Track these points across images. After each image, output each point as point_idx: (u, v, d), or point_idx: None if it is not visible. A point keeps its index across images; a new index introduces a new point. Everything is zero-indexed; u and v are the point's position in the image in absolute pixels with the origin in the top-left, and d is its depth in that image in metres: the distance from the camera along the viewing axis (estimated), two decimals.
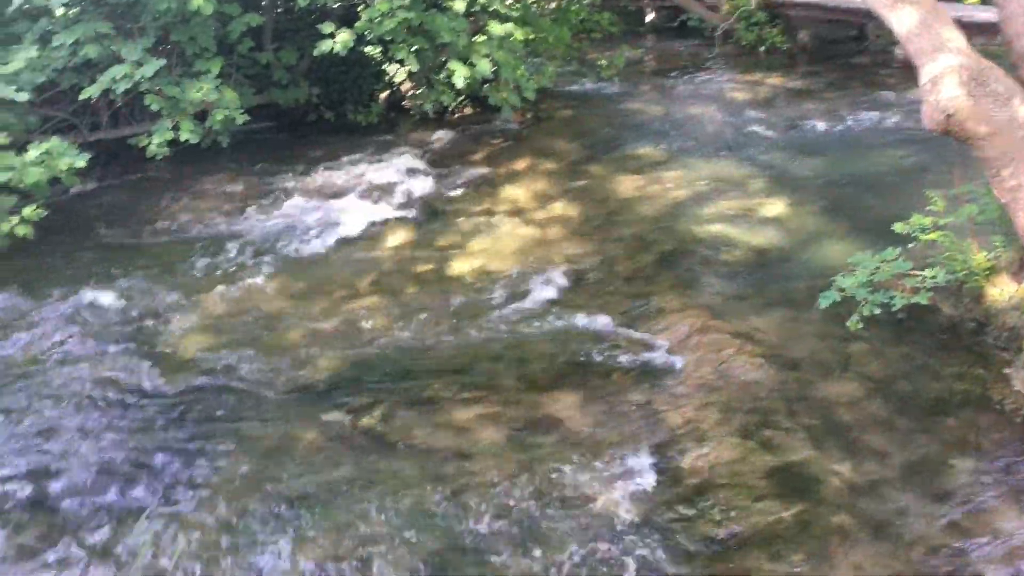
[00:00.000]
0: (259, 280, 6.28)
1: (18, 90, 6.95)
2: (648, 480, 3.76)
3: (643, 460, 3.89)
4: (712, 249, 6.24)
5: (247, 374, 4.95)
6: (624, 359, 4.82)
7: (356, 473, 3.94)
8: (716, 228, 6.58)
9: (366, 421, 4.42)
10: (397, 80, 9.99)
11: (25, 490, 3.89)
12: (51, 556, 3.48)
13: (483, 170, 8.52)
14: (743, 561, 3.30)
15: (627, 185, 7.77)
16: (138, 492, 3.88)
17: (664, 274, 5.95)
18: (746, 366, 4.58)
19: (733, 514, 3.52)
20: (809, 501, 3.57)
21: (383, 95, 10.31)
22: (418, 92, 9.89)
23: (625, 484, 3.72)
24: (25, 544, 3.55)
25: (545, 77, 10.14)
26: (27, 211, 6.51)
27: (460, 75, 8.80)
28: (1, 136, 6.68)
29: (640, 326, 5.21)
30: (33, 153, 6.71)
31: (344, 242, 7.02)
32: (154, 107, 7.63)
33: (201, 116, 7.98)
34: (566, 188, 7.89)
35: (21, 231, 6.43)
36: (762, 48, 12.73)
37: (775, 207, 6.90)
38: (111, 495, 3.85)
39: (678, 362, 4.74)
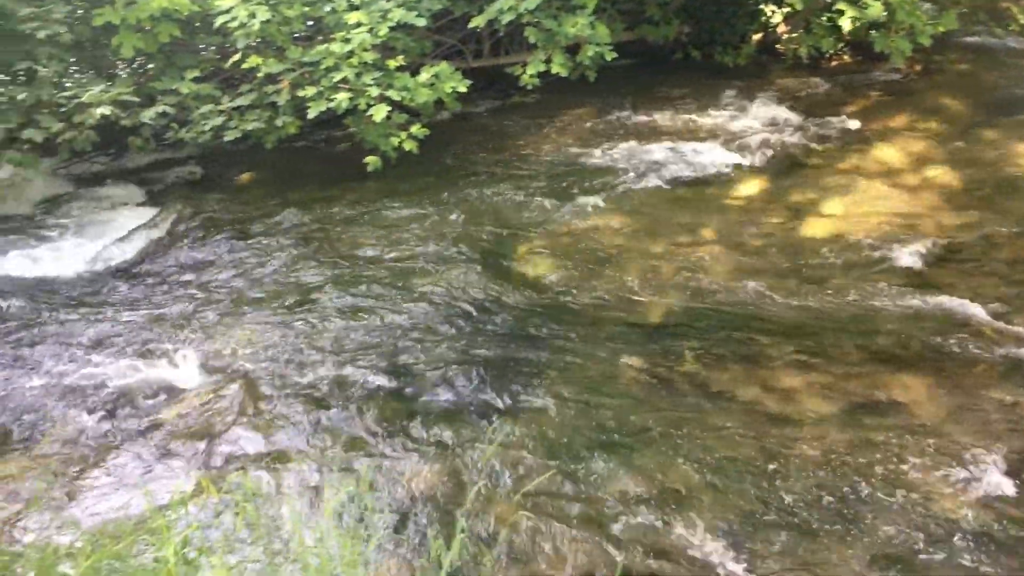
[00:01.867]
0: (604, 213, 6.42)
1: (418, 16, 7.63)
2: (1003, 490, 3.30)
3: (1000, 466, 3.42)
4: None
5: (582, 302, 5.12)
6: (992, 352, 4.24)
7: (673, 416, 3.92)
8: None
9: (690, 367, 4.36)
10: (773, 21, 9.49)
11: (383, 380, 4.40)
12: (401, 440, 3.92)
13: (854, 124, 7.86)
14: None
15: None
16: (475, 394, 4.20)
17: None
18: None
19: None
20: None
21: (756, 37, 9.87)
22: (794, 35, 9.33)
23: (973, 489, 3.31)
24: (384, 426, 4.03)
25: (946, 21, 8.99)
26: (414, 128, 7.21)
27: (848, 16, 8.14)
28: (400, 58, 7.40)
29: (1018, 318, 4.54)
30: (424, 75, 7.38)
31: (693, 185, 6.91)
32: (531, 39, 7.99)
33: (572, 50, 8.22)
34: (949, 151, 7.03)
35: (408, 146, 7.15)
36: None
37: None
38: (450, 393, 4.22)
39: None
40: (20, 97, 7.26)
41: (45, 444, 4.05)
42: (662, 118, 8.35)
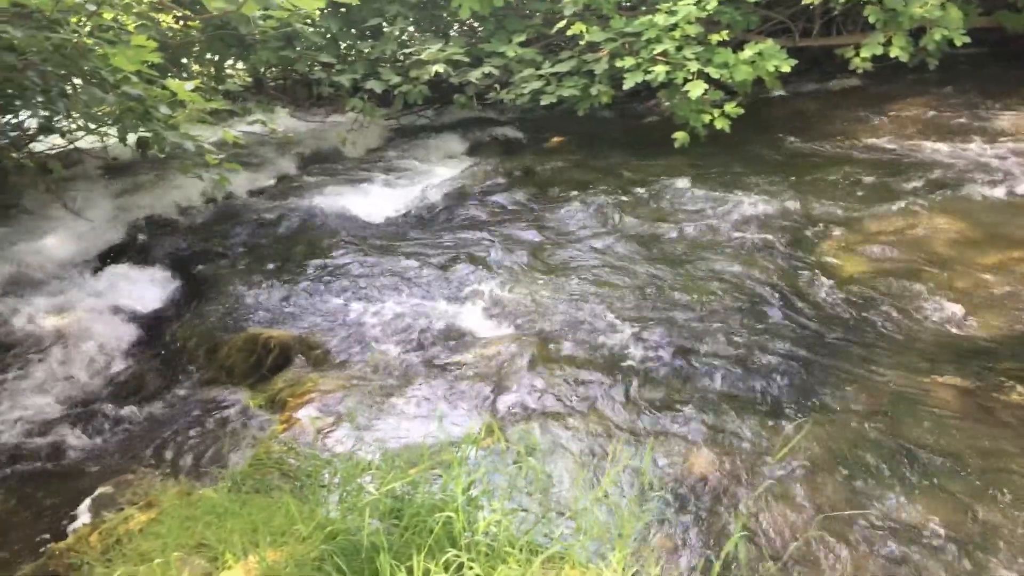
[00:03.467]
0: (928, 215, 5.84)
1: None
2: None
3: None
4: None
5: (894, 309, 4.70)
6: None
7: (993, 448, 3.48)
8: None
9: (1018, 399, 3.85)
10: None
11: (671, 358, 4.35)
12: (683, 421, 3.85)
13: None
14: None
15: None
16: (765, 388, 4.02)
17: None
18: None
19: None
20: None
21: None
22: None
23: None
24: (668, 403, 3.99)
25: None
26: (729, 107, 7.00)
27: None
28: (724, 32, 7.18)
29: None
30: (747, 52, 7.11)
31: None
32: (871, 19, 7.40)
33: (914, 33, 7.51)
34: None
35: (720, 124, 6.96)
36: None
37: None
38: (739, 383, 4.07)
39: None
40: (366, 51, 7.98)
41: (358, 367, 4.47)
42: (1010, 118, 7.41)
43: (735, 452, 3.49)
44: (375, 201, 7.37)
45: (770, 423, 3.70)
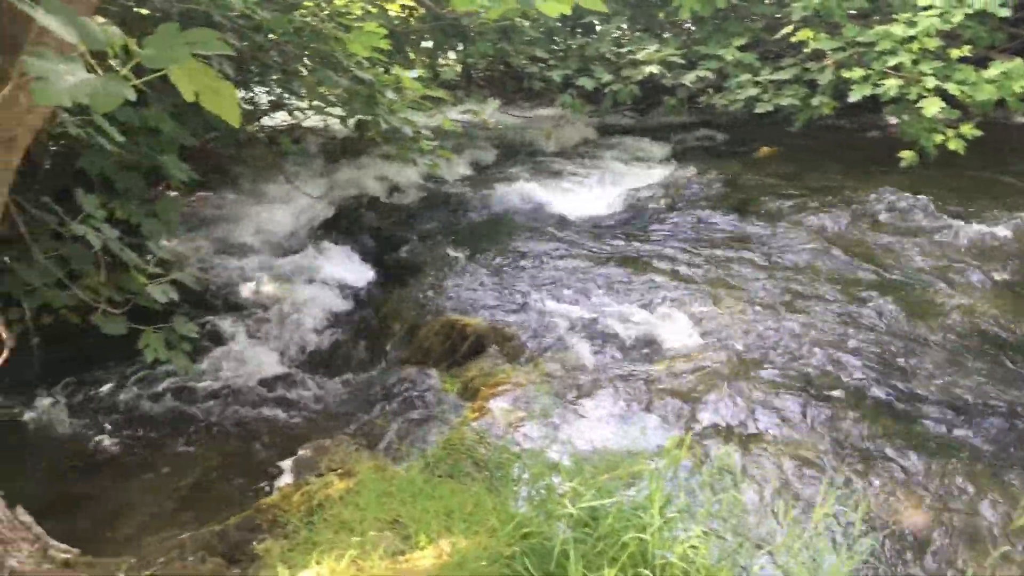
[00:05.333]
0: None
1: (1001, 4, 6.73)
2: None
3: None
4: None
5: None
6: None
7: None
8: None
9: None
10: None
11: (878, 392, 4.05)
12: (894, 462, 3.57)
13: None
14: None
15: None
16: (986, 438, 3.66)
17: None
18: None
19: None
20: None
21: None
22: None
23: None
24: (874, 440, 3.71)
25: None
26: (966, 127, 6.44)
27: None
28: (965, 48, 6.62)
29: None
30: (992, 71, 6.51)
31: None
32: None
33: None
34: None
35: (953, 146, 6.42)
36: None
37: None
38: (959, 429, 3.73)
39: None
40: (580, 47, 7.98)
41: (551, 364, 4.46)
42: None
43: (955, 506, 3.18)
44: (575, 199, 7.36)
45: (996, 480, 3.35)
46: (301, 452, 3.79)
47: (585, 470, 3.24)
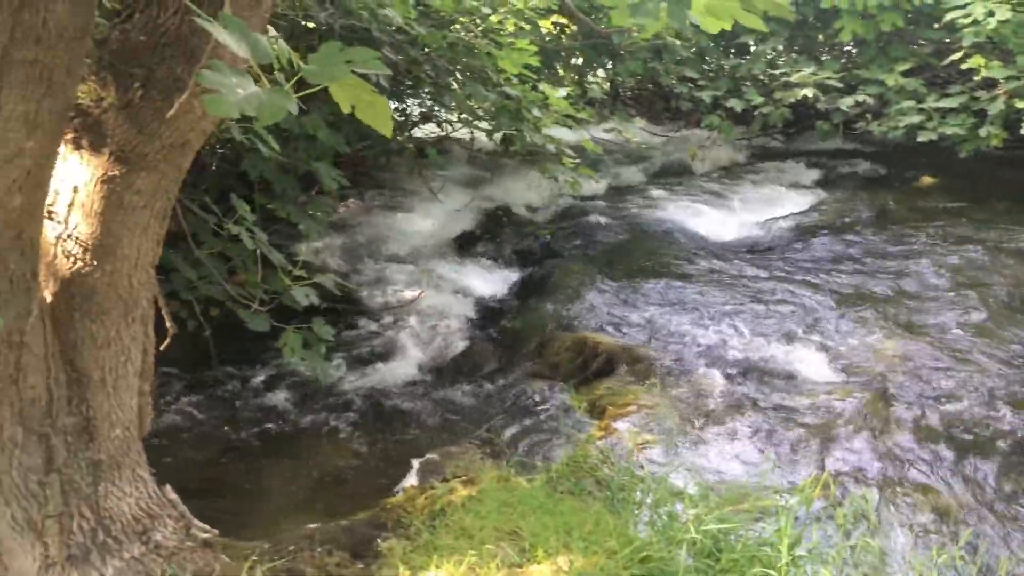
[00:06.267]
0: None
1: None
2: None
3: None
4: None
5: None
6: None
7: None
8: None
9: None
10: None
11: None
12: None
13: None
14: None
15: None
16: None
17: None
18: None
19: None
20: None
21: None
22: None
23: None
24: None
25: None
26: None
27: None
28: None
29: None
30: None
31: None
32: None
33: None
34: None
35: None
36: None
37: None
38: None
39: None
40: (732, 68, 7.82)
41: (681, 389, 4.38)
42: None
43: None
44: (716, 222, 7.21)
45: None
46: (427, 456, 3.87)
47: (711, 499, 3.17)
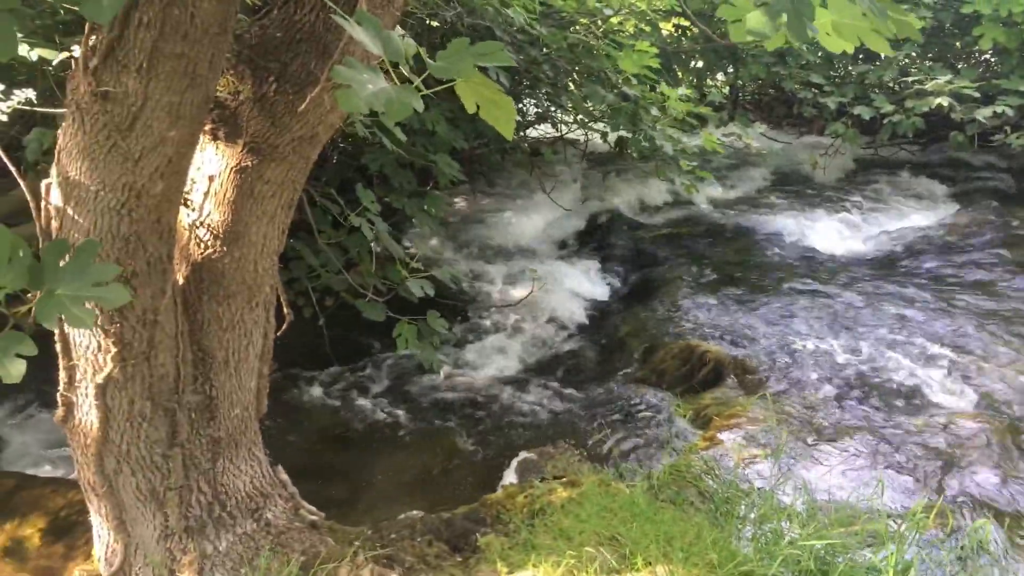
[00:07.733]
0: None
1: None
2: None
3: None
4: None
5: None
6: None
7: None
8: None
9: None
10: None
11: None
12: None
13: None
14: None
15: None
16: None
17: None
18: None
19: None
20: None
21: None
22: None
23: None
24: None
25: None
26: None
27: None
28: None
29: None
30: None
31: None
32: None
33: None
34: None
35: None
36: None
37: None
38: None
39: None
40: (861, 74, 7.53)
41: (791, 403, 4.25)
42: None
43: None
44: (836, 233, 6.96)
45: None
46: (527, 455, 3.88)
47: (818, 519, 3.06)
